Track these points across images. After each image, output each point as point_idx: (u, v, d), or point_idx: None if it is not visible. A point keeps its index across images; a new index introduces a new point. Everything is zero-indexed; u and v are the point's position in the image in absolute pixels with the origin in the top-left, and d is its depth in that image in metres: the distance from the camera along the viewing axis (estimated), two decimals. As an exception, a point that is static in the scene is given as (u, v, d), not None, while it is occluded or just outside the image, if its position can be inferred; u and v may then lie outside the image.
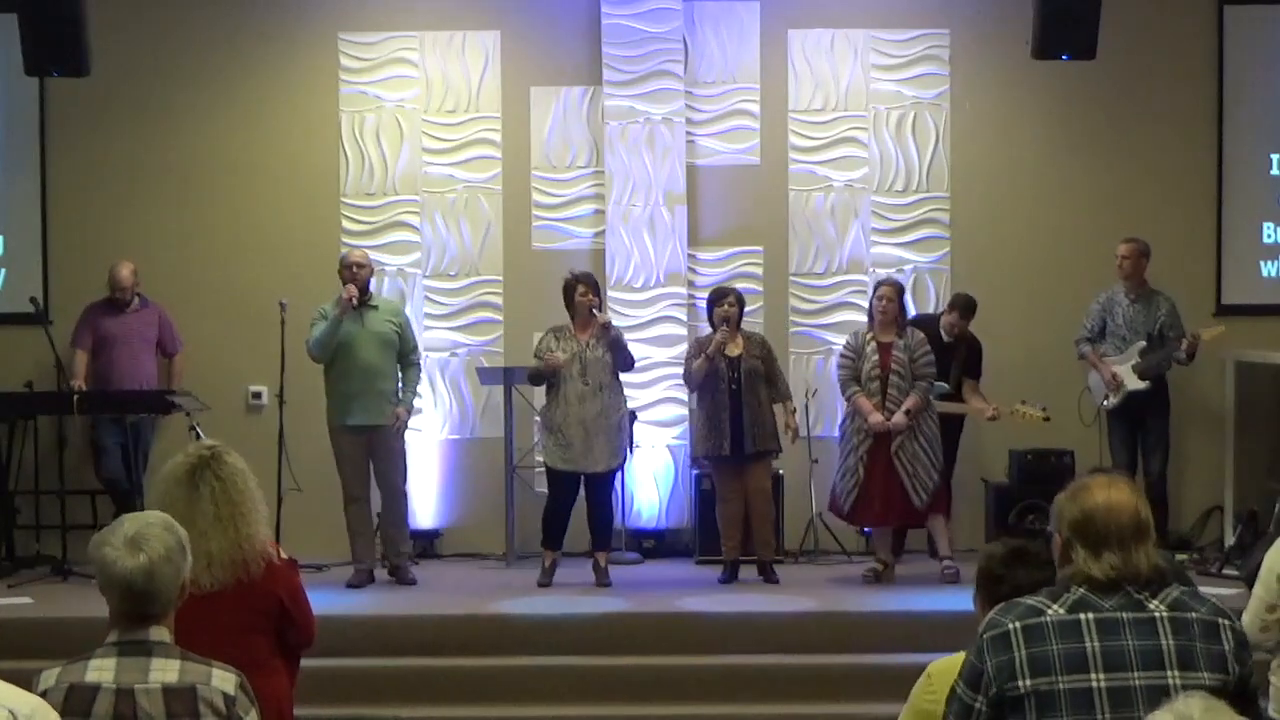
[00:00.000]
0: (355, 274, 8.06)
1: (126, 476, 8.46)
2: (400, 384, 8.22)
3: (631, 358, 8.23)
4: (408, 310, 8.75)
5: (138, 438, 8.51)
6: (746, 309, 8.41)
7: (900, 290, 8.18)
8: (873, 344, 8.07)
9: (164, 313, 8.87)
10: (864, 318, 9.03)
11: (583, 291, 8.05)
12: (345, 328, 8.03)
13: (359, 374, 8.05)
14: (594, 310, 8.04)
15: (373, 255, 8.91)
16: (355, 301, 7.97)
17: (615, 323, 8.25)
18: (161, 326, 8.83)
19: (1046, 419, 8.48)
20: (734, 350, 8.12)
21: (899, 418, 7.90)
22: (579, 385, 8.00)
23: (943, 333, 8.63)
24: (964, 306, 8.71)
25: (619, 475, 8.44)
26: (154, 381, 8.70)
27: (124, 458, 8.49)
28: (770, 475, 8.32)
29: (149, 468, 8.43)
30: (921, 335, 8.16)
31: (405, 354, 8.22)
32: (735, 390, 8.07)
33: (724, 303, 8.16)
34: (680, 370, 9.06)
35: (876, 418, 7.91)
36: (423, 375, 8.54)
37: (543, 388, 8.17)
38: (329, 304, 8.13)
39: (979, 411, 8.57)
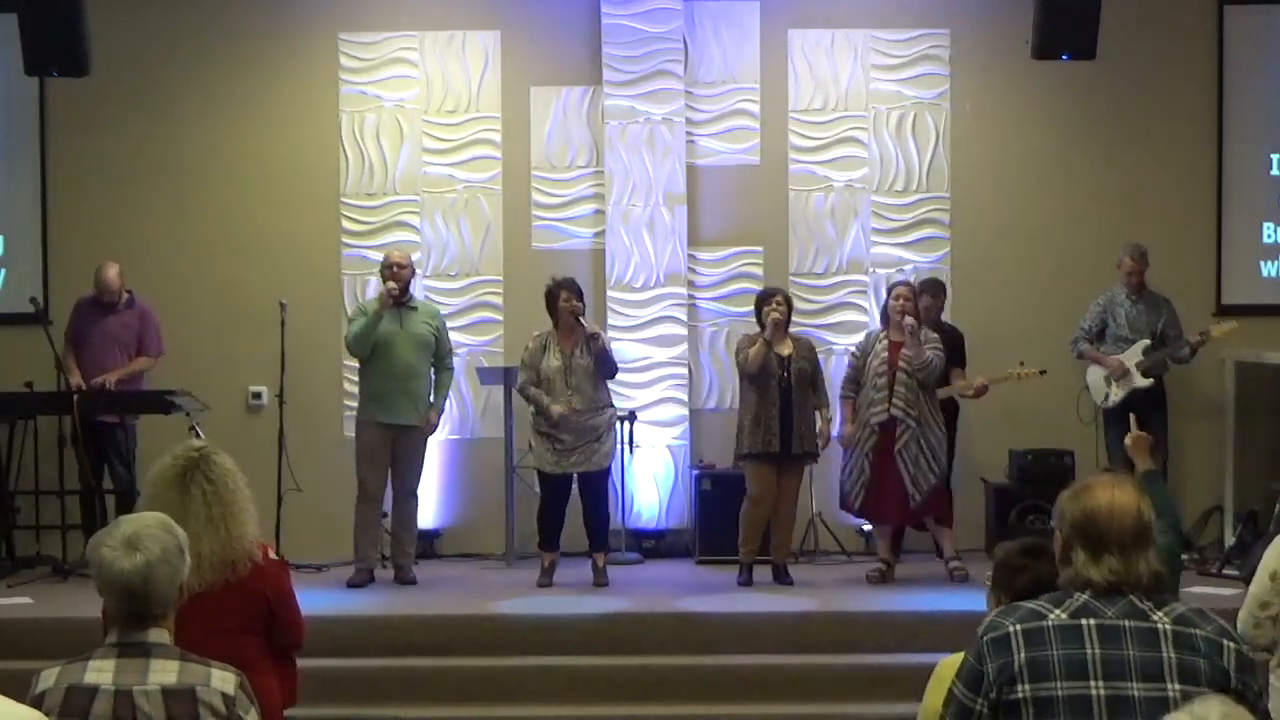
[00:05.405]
0: (396, 274, 8.08)
1: (94, 472, 8.33)
2: (433, 387, 8.23)
3: (615, 367, 8.21)
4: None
5: (102, 436, 8.40)
6: (748, 310, 8.39)
7: (914, 290, 8.16)
8: (884, 341, 8.04)
9: (150, 314, 8.62)
10: (864, 318, 9.07)
11: (565, 298, 8.03)
12: (384, 326, 8.05)
13: (394, 373, 8.06)
14: (579, 318, 8.03)
15: (373, 255, 8.93)
16: (394, 296, 7.99)
17: (612, 323, 8.21)
18: (144, 327, 8.59)
19: (1043, 372, 8.49)
20: (785, 350, 8.04)
21: (911, 343, 7.86)
22: (565, 392, 7.99)
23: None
24: (933, 287, 8.70)
25: (610, 475, 8.36)
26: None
27: (102, 452, 8.41)
28: (801, 479, 8.22)
29: (133, 469, 8.41)
30: (935, 336, 8.13)
31: (440, 357, 8.24)
32: (786, 389, 7.97)
33: (772, 302, 8.05)
34: (682, 370, 9.07)
35: (848, 429, 8.05)
36: (454, 380, 8.53)
37: None
38: (371, 300, 8.18)
39: (967, 385, 8.52)
